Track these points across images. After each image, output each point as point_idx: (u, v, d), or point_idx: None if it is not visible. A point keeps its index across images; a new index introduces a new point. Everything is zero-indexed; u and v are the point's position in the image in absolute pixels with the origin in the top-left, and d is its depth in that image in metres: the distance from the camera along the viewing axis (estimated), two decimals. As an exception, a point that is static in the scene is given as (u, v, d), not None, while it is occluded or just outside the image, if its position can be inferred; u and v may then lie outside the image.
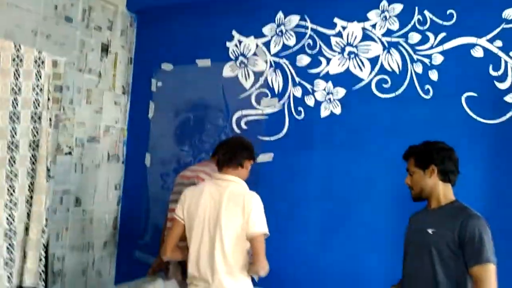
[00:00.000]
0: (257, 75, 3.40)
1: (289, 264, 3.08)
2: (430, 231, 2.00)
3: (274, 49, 3.36)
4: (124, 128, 3.91)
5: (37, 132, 2.46)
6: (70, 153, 3.47)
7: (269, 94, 3.35)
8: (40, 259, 2.50)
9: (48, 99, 2.54)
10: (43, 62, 2.51)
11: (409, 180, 2.12)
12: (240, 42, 3.48)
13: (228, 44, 3.52)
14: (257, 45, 3.42)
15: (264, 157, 3.27)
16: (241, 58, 3.47)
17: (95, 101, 3.65)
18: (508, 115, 2.70)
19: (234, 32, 3.50)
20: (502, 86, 2.72)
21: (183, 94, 3.68)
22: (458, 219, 1.95)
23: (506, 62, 2.73)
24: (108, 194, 3.81)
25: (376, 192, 2.95)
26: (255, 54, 3.42)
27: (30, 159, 2.45)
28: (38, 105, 2.46)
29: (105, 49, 3.73)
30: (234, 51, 3.50)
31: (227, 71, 3.51)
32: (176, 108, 3.71)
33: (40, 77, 2.49)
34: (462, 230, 1.92)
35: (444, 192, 2.06)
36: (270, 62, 3.36)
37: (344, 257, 2.99)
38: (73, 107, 3.47)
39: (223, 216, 2.12)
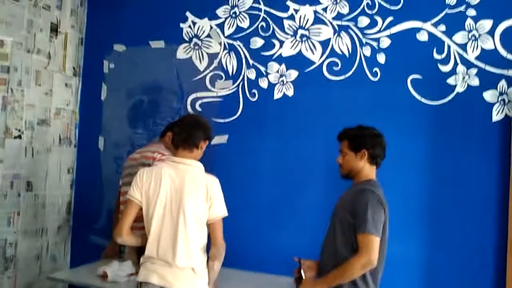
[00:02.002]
0: (211, 57, 3.41)
1: (241, 242, 3.16)
2: (338, 204, 2.28)
3: (228, 31, 3.37)
4: (75, 111, 3.84)
5: (-17, 115, 2.39)
6: (19, 136, 3.38)
7: (223, 76, 3.37)
8: (-10, 245, 2.45)
9: (-6, 80, 2.47)
10: (-12, 43, 2.43)
11: (340, 160, 2.31)
12: (194, 23, 3.46)
13: (182, 25, 3.49)
14: (211, 27, 3.42)
15: (219, 139, 3.30)
16: (195, 40, 3.46)
17: (44, 83, 3.56)
18: (450, 97, 2.84)
19: (188, 13, 3.48)
20: (445, 68, 2.86)
21: (136, 76, 3.64)
22: (356, 191, 2.19)
23: (449, 46, 2.86)
24: (61, 178, 3.74)
25: (326, 172, 3.05)
26: (209, 36, 3.42)
27: (-24, 142, 2.38)
28: (-17, 87, 2.39)
29: (54, 29, 3.62)
30: (188, 33, 3.48)
31: (181, 53, 3.49)
32: (129, 90, 3.66)
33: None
34: (354, 202, 2.15)
35: (367, 173, 2.27)
36: (224, 44, 3.37)
37: (291, 234, 3.10)
38: (21, 89, 3.37)
39: (186, 201, 2.15)
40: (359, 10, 3.04)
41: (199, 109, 3.42)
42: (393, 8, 2.97)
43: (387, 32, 2.97)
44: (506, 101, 2.73)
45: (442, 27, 2.87)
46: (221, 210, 2.23)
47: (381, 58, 2.98)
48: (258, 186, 3.22)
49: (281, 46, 3.22)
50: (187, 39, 3.48)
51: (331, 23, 3.11)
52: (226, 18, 3.37)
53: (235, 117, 3.32)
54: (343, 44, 3.07)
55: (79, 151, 3.84)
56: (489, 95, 2.77)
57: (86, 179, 3.80)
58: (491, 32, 2.79)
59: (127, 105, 3.67)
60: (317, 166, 3.07)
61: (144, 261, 2.22)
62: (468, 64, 2.82)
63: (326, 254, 2.26)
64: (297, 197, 3.11)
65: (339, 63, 3.07)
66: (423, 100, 2.89)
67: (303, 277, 2.21)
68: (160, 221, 2.18)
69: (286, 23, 3.21)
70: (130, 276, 2.58)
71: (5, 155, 3.27)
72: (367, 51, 3.01)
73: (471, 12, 2.82)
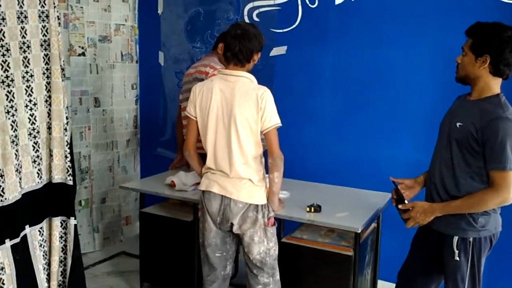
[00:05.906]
0: (268, -38, 3.23)
1: (303, 154, 3.17)
2: (458, 124, 1.93)
3: None
4: (135, 26, 3.85)
5: (46, 31, 2.44)
6: (83, 53, 3.47)
7: (281, -18, 3.20)
8: (66, 156, 2.60)
9: (53, -4, 2.48)
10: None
11: (459, 59, 1.96)
12: None
13: None
14: None
15: (278, 50, 3.22)
16: None
17: (102, -2, 3.58)
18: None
19: None
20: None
21: (191, -13, 3.55)
22: (486, 118, 1.85)
23: None
24: (126, 94, 3.86)
25: (390, 81, 2.91)
26: None
27: (43, 58, 2.45)
28: (44, 2, 2.41)
29: None
30: None
31: (236, -42, 3.34)
32: (185, 3, 3.60)
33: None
34: (486, 130, 1.83)
35: (489, 85, 1.90)
36: None
37: (357, 146, 3.06)
38: (80, 5, 3.41)
39: (237, 112, 2.15)
40: None
41: (256, 19, 3.31)
42: None
43: None
44: None
45: None
46: (273, 120, 2.18)
47: (455, -49, 2.68)
48: (319, 97, 3.15)
49: None
50: None
51: None
52: None
53: (294, 26, 3.19)
54: None
55: (141, 66, 3.91)
56: None
57: (149, 94, 3.90)
58: None
59: (184, 19, 3.62)
60: (381, 77, 2.93)
61: (205, 171, 2.28)
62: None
63: (441, 181, 2.01)
64: (360, 109, 3.03)
65: (407, -40, 2.81)
66: (500, -3, 2.62)
67: (404, 199, 2.03)
68: (213, 133, 2.21)
69: None
70: (196, 185, 2.69)
71: (72, 72, 3.39)
72: None
73: None
